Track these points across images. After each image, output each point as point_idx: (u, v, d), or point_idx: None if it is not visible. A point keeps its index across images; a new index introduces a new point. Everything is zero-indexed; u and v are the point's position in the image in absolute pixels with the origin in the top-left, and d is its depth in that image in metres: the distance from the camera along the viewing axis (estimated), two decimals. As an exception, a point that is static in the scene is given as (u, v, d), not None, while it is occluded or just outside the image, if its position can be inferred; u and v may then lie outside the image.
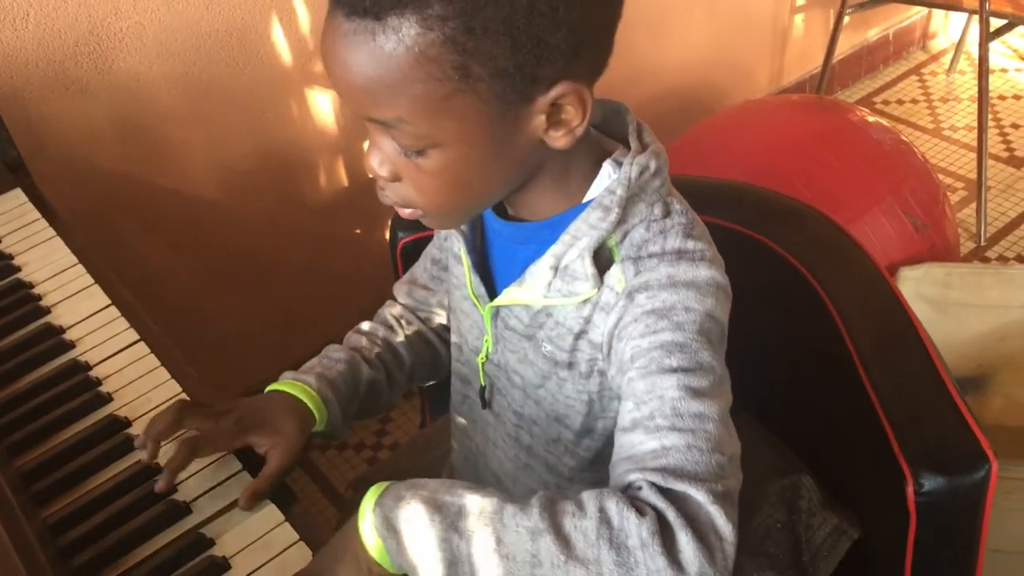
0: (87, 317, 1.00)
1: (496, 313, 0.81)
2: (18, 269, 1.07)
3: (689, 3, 2.11)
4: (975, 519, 0.80)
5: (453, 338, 0.91)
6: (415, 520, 0.64)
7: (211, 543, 0.77)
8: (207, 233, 1.62)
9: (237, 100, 1.55)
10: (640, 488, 0.63)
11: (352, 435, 1.87)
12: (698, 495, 0.62)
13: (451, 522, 0.63)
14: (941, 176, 2.27)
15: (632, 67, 2.07)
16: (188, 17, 1.45)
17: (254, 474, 0.81)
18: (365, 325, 0.97)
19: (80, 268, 1.06)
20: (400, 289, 1.00)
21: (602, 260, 0.73)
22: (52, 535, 0.78)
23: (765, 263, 1.01)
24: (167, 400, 0.89)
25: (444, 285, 0.95)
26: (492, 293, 0.81)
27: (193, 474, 0.82)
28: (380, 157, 0.70)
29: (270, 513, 0.79)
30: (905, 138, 1.78)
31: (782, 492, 1.01)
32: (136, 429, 0.87)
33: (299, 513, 0.79)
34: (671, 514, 0.60)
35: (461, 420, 0.94)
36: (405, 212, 0.74)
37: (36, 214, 1.15)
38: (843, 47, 2.49)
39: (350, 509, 0.71)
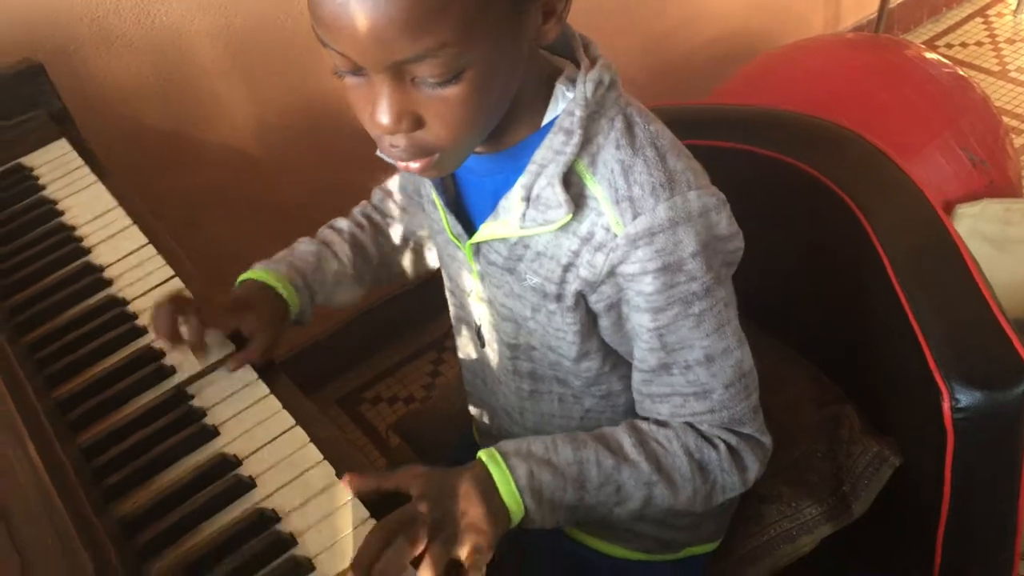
0: (125, 256, 1.01)
1: (477, 250, 0.80)
2: (61, 213, 1.09)
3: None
4: (1016, 436, 0.77)
5: (446, 283, 0.92)
6: (548, 491, 0.74)
7: (237, 463, 0.78)
8: (247, 185, 1.64)
9: (277, 53, 1.56)
10: (702, 423, 0.78)
11: (402, 387, 1.88)
12: (749, 430, 0.79)
13: (579, 484, 0.75)
14: (1008, 119, 2.19)
15: (679, 12, 2.03)
16: (229, -31, 1.46)
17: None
18: (338, 221, 1.00)
19: (120, 211, 1.08)
20: (376, 194, 1.03)
21: (572, 184, 0.72)
22: (86, 458, 0.80)
23: (802, 188, 0.98)
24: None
25: (412, 214, 0.99)
26: (471, 231, 0.80)
27: (221, 401, 0.84)
28: (397, 108, 0.65)
29: (295, 435, 0.80)
30: (963, 73, 1.71)
31: (822, 423, 1.00)
32: (169, 360, 0.88)
33: (326, 439, 0.80)
34: (734, 441, 0.79)
35: (467, 363, 0.95)
36: (415, 166, 0.70)
37: (79, 162, 1.17)
38: (903, -11, 2.41)
39: (396, 456, 0.74)
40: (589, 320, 0.79)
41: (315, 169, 1.70)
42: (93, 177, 1.14)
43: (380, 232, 1.01)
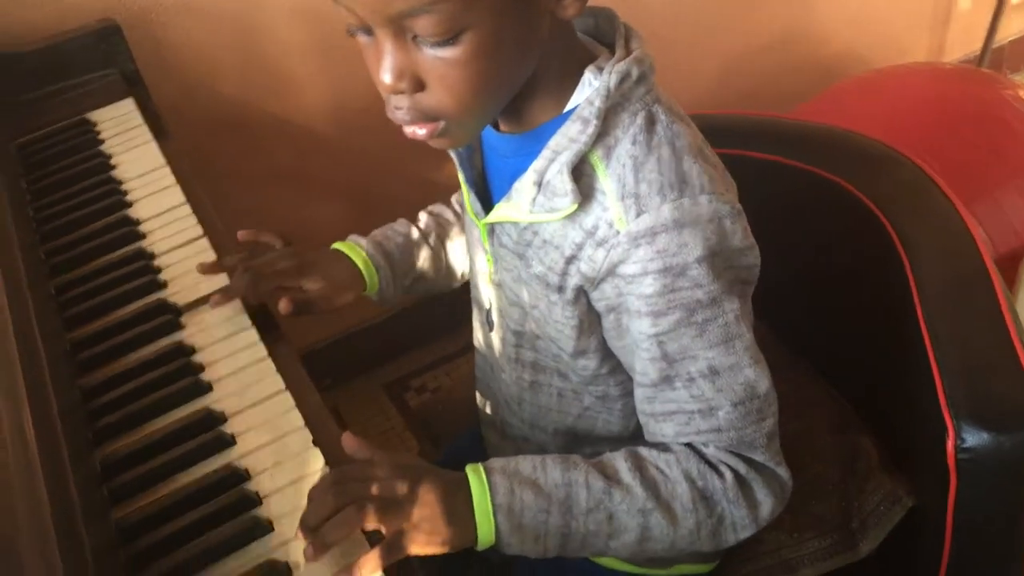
0: (162, 212, 1.04)
1: (492, 231, 0.79)
2: (113, 167, 1.13)
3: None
4: (1022, 482, 0.72)
5: (470, 265, 0.91)
6: (531, 513, 0.70)
7: (223, 419, 0.79)
8: (315, 165, 1.66)
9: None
10: (707, 446, 0.73)
11: (448, 379, 1.88)
12: (760, 457, 0.73)
13: (565, 508, 0.70)
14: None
15: (772, 32, 1.99)
16: (313, -53, 1.49)
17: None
18: (435, 207, 1.01)
19: (166, 170, 1.11)
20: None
21: (585, 175, 0.70)
22: (84, 399, 0.82)
23: (839, 205, 0.95)
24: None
25: None
26: (489, 211, 0.79)
27: (222, 359, 0.85)
28: (398, 66, 0.65)
29: (282, 399, 0.80)
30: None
31: (837, 450, 0.96)
32: (185, 319, 0.90)
33: (312, 403, 0.80)
34: (743, 470, 0.73)
35: (477, 347, 0.94)
36: (421, 133, 0.70)
37: (139, 121, 1.21)
38: (1017, 26, 2.30)
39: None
40: (589, 318, 0.77)
41: (387, 155, 1.71)
42: (149, 136, 1.18)
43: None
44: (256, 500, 0.72)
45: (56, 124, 1.22)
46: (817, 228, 0.98)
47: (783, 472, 0.75)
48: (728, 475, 0.72)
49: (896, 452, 0.90)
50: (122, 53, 1.30)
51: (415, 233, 0.98)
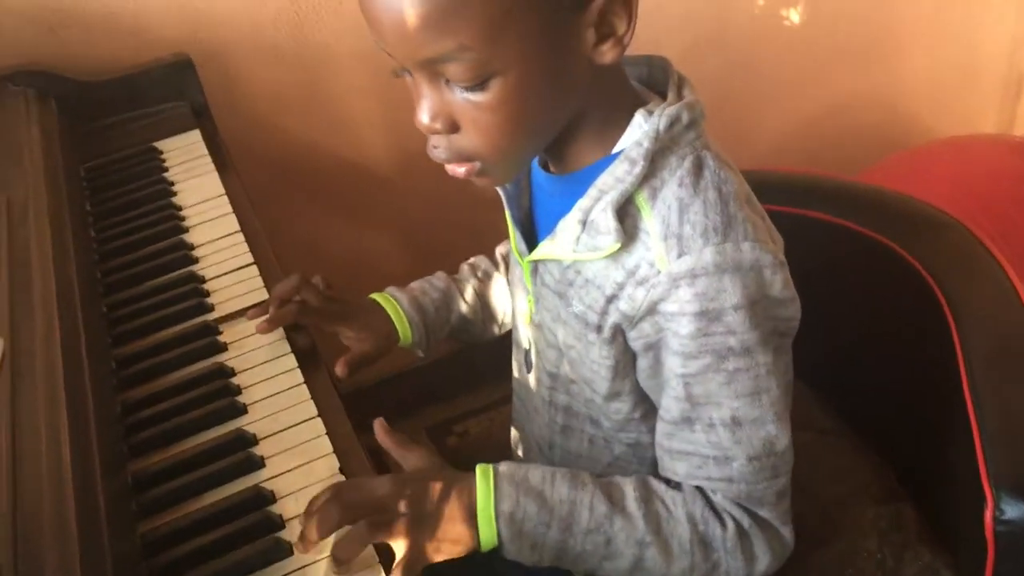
0: (216, 239, 1.07)
1: (535, 269, 0.80)
2: (174, 194, 1.17)
3: (903, 34, 1.99)
4: (1064, 561, 0.69)
5: (512, 306, 0.92)
6: (531, 524, 0.71)
7: (254, 441, 0.80)
8: (372, 204, 1.69)
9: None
10: (715, 492, 0.74)
11: (492, 425, 1.88)
12: (767, 513, 0.74)
13: (566, 525, 0.72)
14: None
15: (836, 97, 1.98)
16: (382, -3, 1.53)
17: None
18: (476, 259, 1.02)
19: (224, 199, 1.14)
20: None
21: (630, 215, 0.71)
22: (123, 414, 0.84)
23: (886, 266, 0.93)
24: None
25: None
26: (533, 249, 0.79)
27: (259, 382, 0.86)
28: (433, 108, 0.67)
29: (314, 425, 0.81)
30: None
31: (876, 521, 0.93)
32: (226, 336, 0.92)
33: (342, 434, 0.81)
34: (746, 523, 0.73)
35: (515, 388, 0.95)
36: (460, 171, 0.71)
37: (204, 151, 1.25)
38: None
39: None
40: (625, 358, 0.77)
41: (443, 198, 1.73)
42: (211, 167, 1.21)
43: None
44: (280, 523, 0.72)
45: (124, 150, 1.26)
46: (863, 288, 0.97)
47: (787, 532, 0.75)
48: (731, 525, 0.73)
49: (937, 523, 0.87)
50: (193, 86, 1.34)
51: (452, 288, 0.99)
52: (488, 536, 0.71)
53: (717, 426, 0.72)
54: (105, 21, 1.37)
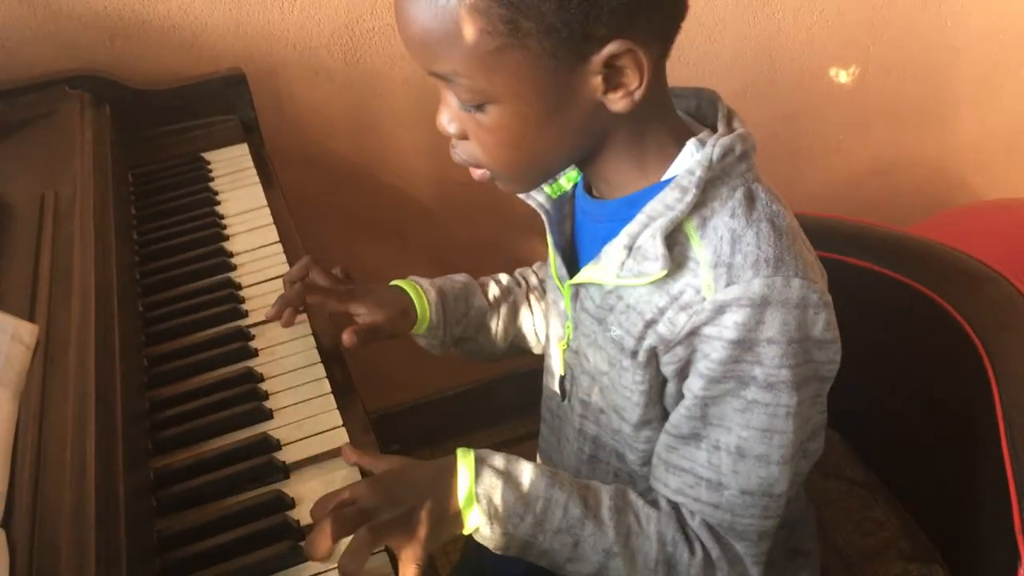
0: (255, 248, 1.08)
1: (576, 294, 0.79)
2: (218, 203, 1.18)
3: (952, 97, 1.97)
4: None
5: (546, 331, 0.92)
6: (505, 512, 0.72)
7: (277, 447, 0.80)
8: (415, 231, 1.70)
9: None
10: (694, 515, 0.74)
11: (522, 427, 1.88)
12: (741, 549, 0.74)
13: (538, 520, 0.72)
14: None
15: (875, 155, 1.96)
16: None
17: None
18: (503, 276, 1.03)
19: (266, 211, 1.15)
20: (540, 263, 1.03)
21: (678, 243, 0.70)
22: (151, 411, 0.84)
23: (927, 318, 0.92)
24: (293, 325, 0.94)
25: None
26: (574, 274, 0.79)
27: (286, 389, 0.86)
28: (448, 113, 0.72)
29: (337, 434, 0.81)
30: None
31: (904, 576, 0.90)
32: (258, 342, 0.92)
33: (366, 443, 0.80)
34: (715, 553, 0.74)
35: (545, 416, 0.94)
36: (476, 173, 0.75)
37: (250, 164, 1.27)
38: None
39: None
40: (657, 384, 0.76)
41: (484, 230, 1.74)
42: (256, 180, 1.23)
43: (533, 291, 1.02)
44: (298, 530, 0.71)
45: (173, 159, 1.28)
46: (903, 339, 0.96)
47: (755, 572, 0.75)
48: (699, 553, 0.74)
49: (958, 570, 0.85)
50: (244, 101, 1.36)
51: (474, 285, 1.00)
52: (472, 518, 0.71)
53: (721, 450, 0.72)
54: (163, 34, 1.40)
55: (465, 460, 0.72)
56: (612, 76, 0.67)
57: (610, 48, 0.65)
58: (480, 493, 0.71)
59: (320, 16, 1.48)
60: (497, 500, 0.71)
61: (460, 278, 1.00)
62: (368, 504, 0.69)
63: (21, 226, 0.95)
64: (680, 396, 0.75)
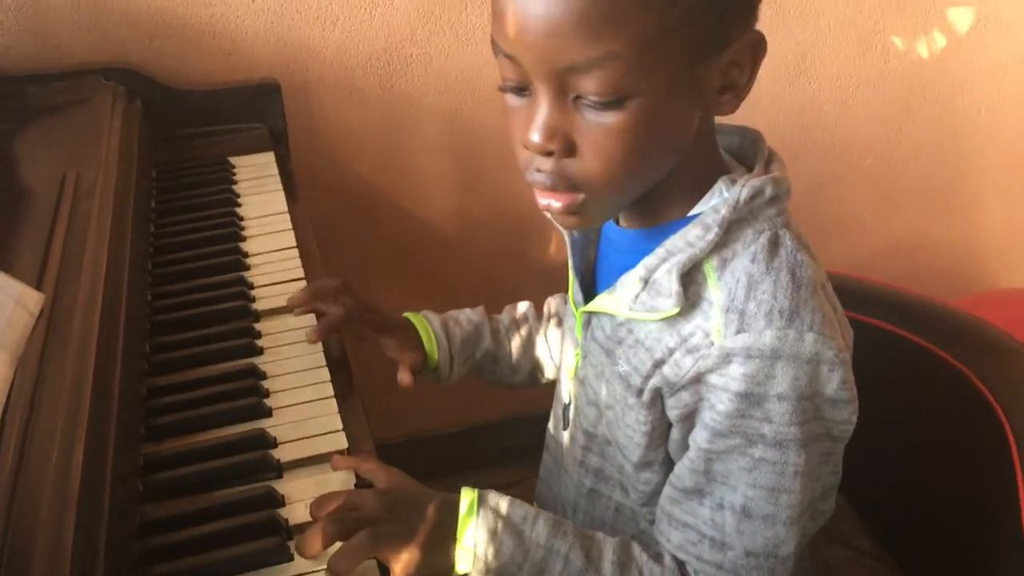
0: (271, 251, 1.07)
1: (588, 322, 0.77)
2: (239, 205, 1.17)
3: (980, 184, 1.96)
4: None
5: (546, 356, 0.92)
6: (503, 560, 0.69)
7: (273, 444, 0.77)
8: (431, 259, 1.68)
9: (492, 150, 1.62)
10: (697, 574, 0.71)
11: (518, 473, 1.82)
12: None
13: (538, 570, 0.70)
14: None
15: (899, 235, 1.95)
16: (474, 60, 1.55)
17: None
18: (522, 305, 1.01)
19: (286, 216, 1.14)
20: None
21: (695, 282, 0.68)
22: (148, 397, 0.82)
23: (953, 389, 0.89)
24: (302, 327, 0.92)
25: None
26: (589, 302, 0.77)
27: (288, 389, 0.84)
28: (551, 125, 0.63)
29: (336, 438, 0.78)
30: None
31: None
32: (264, 341, 0.90)
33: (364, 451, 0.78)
34: None
35: (548, 444, 0.92)
36: (557, 205, 0.67)
37: (275, 172, 1.26)
38: None
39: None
40: (661, 426, 0.73)
41: (503, 269, 1.73)
42: (279, 187, 1.22)
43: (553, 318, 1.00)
44: (285, 528, 0.69)
45: (198, 159, 1.27)
46: (923, 406, 0.93)
47: None
48: None
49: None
50: (275, 111, 1.36)
51: (485, 326, 0.98)
52: (465, 560, 0.69)
53: (726, 509, 0.69)
54: (202, 38, 1.40)
55: (469, 501, 0.71)
56: (727, 74, 0.65)
57: (746, 37, 0.64)
58: (480, 538, 0.69)
59: (360, 37, 1.49)
60: (496, 546, 0.69)
61: (474, 317, 0.98)
62: (371, 514, 0.68)
63: (39, 202, 0.93)
64: (684, 445, 0.72)
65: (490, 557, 0.69)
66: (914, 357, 0.94)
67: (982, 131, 1.90)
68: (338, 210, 1.57)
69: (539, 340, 0.98)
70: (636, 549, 0.72)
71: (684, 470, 0.70)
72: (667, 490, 0.73)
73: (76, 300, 0.79)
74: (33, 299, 0.75)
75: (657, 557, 0.72)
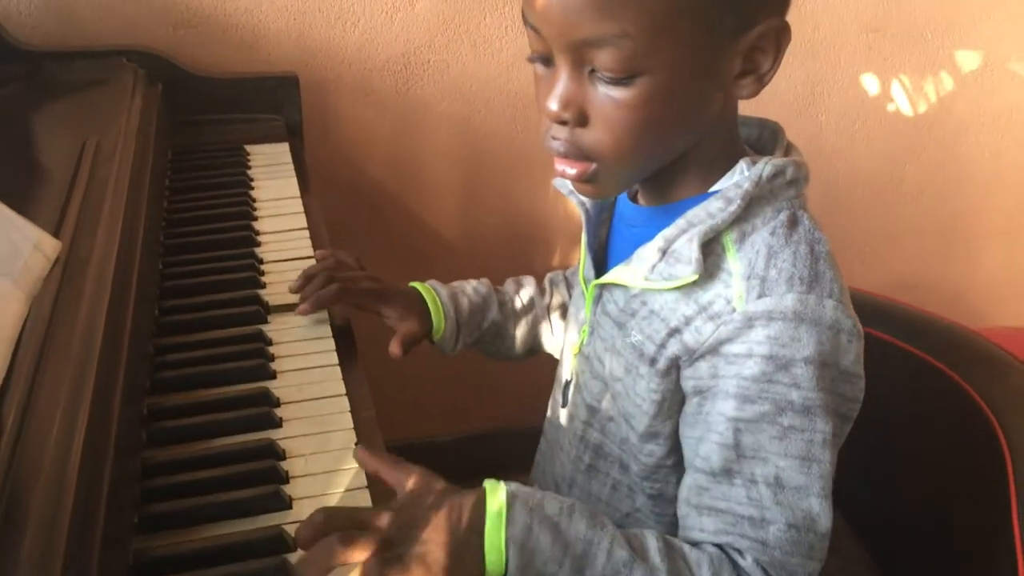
0: (282, 231, 1.08)
1: (599, 296, 0.78)
2: (252, 188, 1.19)
3: (982, 223, 1.99)
4: None
5: (550, 332, 0.92)
6: (542, 558, 0.64)
7: (276, 403, 0.78)
8: (439, 264, 1.70)
9: (502, 159, 1.64)
10: (745, 555, 0.67)
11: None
12: None
13: (579, 566, 0.64)
14: None
15: (899, 271, 1.97)
16: (490, 70, 1.58)
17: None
18: (525, 279, 1.02)
19: (298, 201, 1.16)
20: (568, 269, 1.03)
21: (714, 253, 0.69)
22: (153, 369, 0.83)
23: (950, 402, 0.90)
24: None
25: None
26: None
27: (292, 355, 0.85)
28: (567, 95, 0.66)
29: (339, 402, 0.79)
30: None
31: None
32: (271, 317, 0.92)
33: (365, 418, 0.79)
34: None
35: (546, 424, 0.92)
36: (571, 172, 0.70)
37: (288, 160, 1.28)
38: None
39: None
40: (673, 398, 0.73)
41: (504, 276, 1.72)
42: (292, 173, 1.24)
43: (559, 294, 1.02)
44: (284, 478, 0.70)
45: (214, 144, 1.29)
46: (919, 418, 0.94)
47: None
48: None
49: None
50: (293, 104, 1.38)
51: (492, 298, 0.99)
52: (496, 563, 0.63)
53: (759, 483, 0.67)
54: (225, 31, 1.43)
55: (495, 499, 0.64)
56: (749, 58, 0.66)
57: (768, 23, 0.65)
58: (513, 537, 0.63)
59: (380, 40, 1.51)
60: (531, 545, 0.64)
61: (481, 288, 1.00)
62: (385, 536, 0.62)
63: (59, 164, 0.95)
64: (695, 420, 0.72)
65: (527, 557, 0.64)
66: (910, 368, 0.96)
67: (985, 173, 1.92)
68: (346, 208, 1.59)
69: (543, 323, 0.99)
70: (674, 540, 0.69)
71: (710, 449, 0.69)
72: (690, 481, 0.71)
73: (91, 254, 0.80)
74: (51, 245, 0.76)
75: (696, 544, 0.69)
